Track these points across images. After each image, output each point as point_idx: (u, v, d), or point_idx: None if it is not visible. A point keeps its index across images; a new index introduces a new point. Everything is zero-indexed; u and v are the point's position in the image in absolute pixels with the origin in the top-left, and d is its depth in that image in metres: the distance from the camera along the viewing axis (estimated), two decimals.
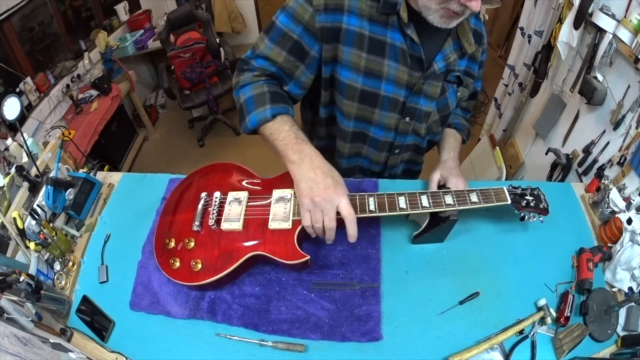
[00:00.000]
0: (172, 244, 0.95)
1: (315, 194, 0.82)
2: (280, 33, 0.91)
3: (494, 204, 0.93)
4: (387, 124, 1.04)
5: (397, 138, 1.08)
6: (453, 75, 0.99)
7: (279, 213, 0.93)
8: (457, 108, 1.19)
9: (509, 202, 0.94)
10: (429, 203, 0.91)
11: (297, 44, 0.91)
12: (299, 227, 0.90)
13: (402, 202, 0.91)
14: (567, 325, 0.92)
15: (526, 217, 0.97)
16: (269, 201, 0.97)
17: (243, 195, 0.99)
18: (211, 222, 0.95)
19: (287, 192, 0.96)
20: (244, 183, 1.03)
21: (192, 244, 0.94)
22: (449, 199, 0.92)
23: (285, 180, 0.95)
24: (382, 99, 0.96)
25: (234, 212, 0.96)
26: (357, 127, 1.06)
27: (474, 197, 0.92)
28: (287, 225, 0.91)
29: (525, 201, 0.97)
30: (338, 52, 0.91)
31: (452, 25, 0.83)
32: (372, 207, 0.89)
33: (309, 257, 0.88)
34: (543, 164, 1.75)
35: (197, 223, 0.96)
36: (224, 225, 0.94)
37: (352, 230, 0.82)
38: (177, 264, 0.92)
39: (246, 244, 0.92)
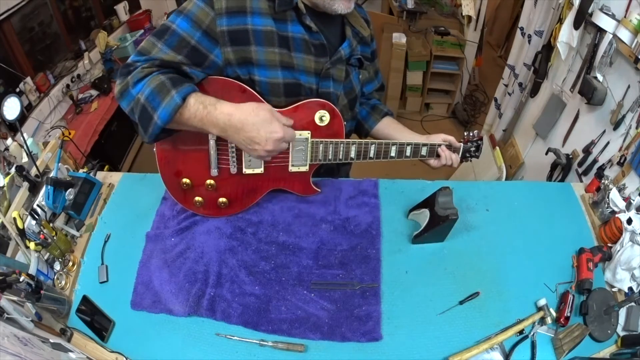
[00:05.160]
0: (190, 185, 1.01)
1: (259, 152, 0.87)
2: (178, 38, 0.86)
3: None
4: None
5: None
6: (355, 59, 1.04)
7: (298, 158, 1.00)
8: (372, 99, 1.23)
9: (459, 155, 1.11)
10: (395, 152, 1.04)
11: (194, 49, 0.86)
12: (314, 169, 1.05)
13: (371, 150, 1.02)
14: (567, 325, 0.92)
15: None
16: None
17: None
18: (232, 169, 0.99)
19: (303, 135, 0.97)
20: None
21: (214, 185, 1.01)
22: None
23: (298, 112, 0.95)
24: (304, 88, 0.96)
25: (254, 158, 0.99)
26: None
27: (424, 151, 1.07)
28: (305, 168, 1.03)
29: (468, 153, 1.13)
30: (251, 54, 0.89)
31: (351, 8, 0.92)
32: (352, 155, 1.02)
33: (320, 190, 1.12)
34: (543, 164, 1.75)
35: (214, 170, 0.98)
36: (247, 171, 1.01)
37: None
38: (203, 202, 1.04)
39: (268, 181, 1.05)
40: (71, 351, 0.85)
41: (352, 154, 1.01)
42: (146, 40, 0.88)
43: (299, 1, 0.88)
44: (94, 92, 2.74)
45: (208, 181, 1.01)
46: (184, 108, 0.83)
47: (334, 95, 1.01)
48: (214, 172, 0.99)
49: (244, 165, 1.00)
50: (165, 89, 0.82)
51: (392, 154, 1.04)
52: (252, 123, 0.84)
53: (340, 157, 1.01)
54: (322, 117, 0.96)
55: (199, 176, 1.00)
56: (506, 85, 2.40)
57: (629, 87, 1.28)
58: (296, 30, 0.91)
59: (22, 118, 1.99)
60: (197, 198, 1.04)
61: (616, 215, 1.06)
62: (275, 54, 0.90)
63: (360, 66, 1.08)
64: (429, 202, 1.04)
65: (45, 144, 1.28)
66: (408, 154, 1.05)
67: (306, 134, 0.97)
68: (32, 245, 0.96)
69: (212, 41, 0.87)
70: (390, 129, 1.16)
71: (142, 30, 3.31)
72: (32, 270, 0.95)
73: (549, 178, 1.69)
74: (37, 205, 1.05)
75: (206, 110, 0.84)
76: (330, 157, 1.01)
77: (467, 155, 1.11)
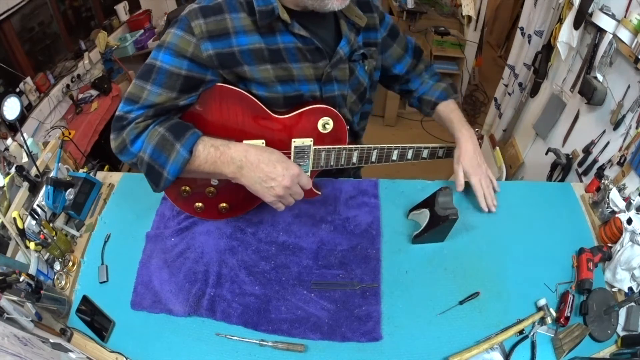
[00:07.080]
0: (190, 192, 1.00)
1: (277, 190, 0.84)
2: (166, 74, 0.82)
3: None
4: None
5: None
6: (357, 55, 0.98)
7: (300, 165, 0.98)
8: (418, 78, 1.17)
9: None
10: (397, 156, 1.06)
11: (188, 78, 0.83)
12: (316, 174, 1.04)
13: (374, 155, 1.04)
14: (567, 325, 0.92)
15: None
16: (287, 151, 0.97)
17: (260, 144, 0.95)
18: None
19: (305, 142, 0.97)
20: (257, 124, 0.95)
21: (215, 192, 1.00)
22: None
23: (300, 119, 0.95)
24: (306, 98, 0.95)
25: None
26: None
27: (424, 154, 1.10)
28: (307, 174, 0.98)
29: None
30: (246, 74, 0.87)
31: (347, 3, 0.85)
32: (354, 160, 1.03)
33: (320, 193, 1.09)
34: (543, 164, 1.75)
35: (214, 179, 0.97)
36: None
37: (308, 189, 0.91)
38: (203, 207, 1.03)
39: None
40: (71, 351, 0.85)
41: (354, 160, 1.01)
42: (133, 84, 0.84)
43: (280, 12, 0.83)
44: (94, 92, 2.74)
45: (208, 188, 1.00)
46: (193, 158, 0.83)
47: (339, 97, 0.99)
48: (214, 181, 0.98)
49: None
50: (168, 143, 0.81)
51: (394, 157, 1.04)
52: (267, 159, 0.83)
53: (342, 162, 1.01)
54: (325, 124, 0.95)
55: (199, 184, 0.99)
56: (506, 85, 2.40)
57: (629, 87, 1.28)
58: (287, 40, 0.87)
59: (22, 118, 1.99)
60: (198, 204, 1.03)
61: (616, 215, 1.06)
62: (269, 70, 0.88)
63: (364, 58, 1.02)
64: (429, 202, 1.04)
65: (45, 144, 1.28)
66: (409, 157, 1.05)
67: (309, 141, 0.96)
68: (32, 245, 0.96)
69: (202, 67, 0.84)
70: (441, 120, 1.19)
71: (142, 30, 3.31)
72: (32, 270, 0.95)
73: (549, 178, 1.69)
74: (37, 205, 1.05)
75: (219, 151, 0.83)
76: (332, 164, 1.00)
77: None
